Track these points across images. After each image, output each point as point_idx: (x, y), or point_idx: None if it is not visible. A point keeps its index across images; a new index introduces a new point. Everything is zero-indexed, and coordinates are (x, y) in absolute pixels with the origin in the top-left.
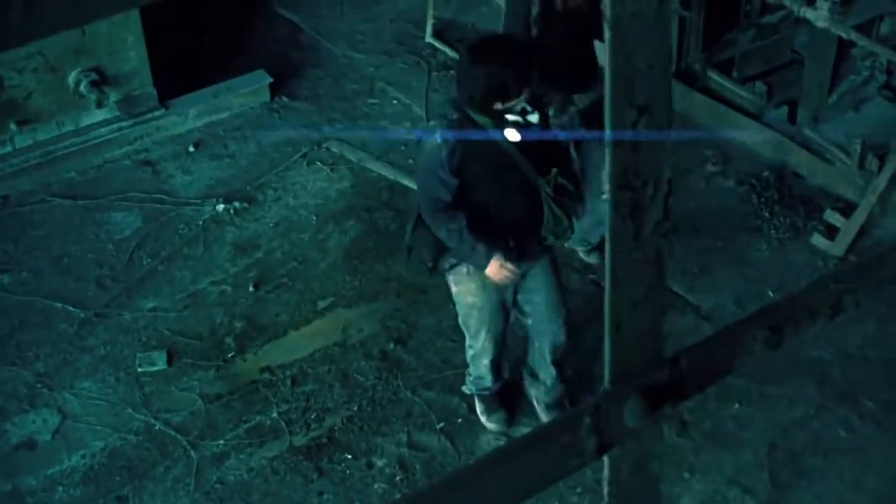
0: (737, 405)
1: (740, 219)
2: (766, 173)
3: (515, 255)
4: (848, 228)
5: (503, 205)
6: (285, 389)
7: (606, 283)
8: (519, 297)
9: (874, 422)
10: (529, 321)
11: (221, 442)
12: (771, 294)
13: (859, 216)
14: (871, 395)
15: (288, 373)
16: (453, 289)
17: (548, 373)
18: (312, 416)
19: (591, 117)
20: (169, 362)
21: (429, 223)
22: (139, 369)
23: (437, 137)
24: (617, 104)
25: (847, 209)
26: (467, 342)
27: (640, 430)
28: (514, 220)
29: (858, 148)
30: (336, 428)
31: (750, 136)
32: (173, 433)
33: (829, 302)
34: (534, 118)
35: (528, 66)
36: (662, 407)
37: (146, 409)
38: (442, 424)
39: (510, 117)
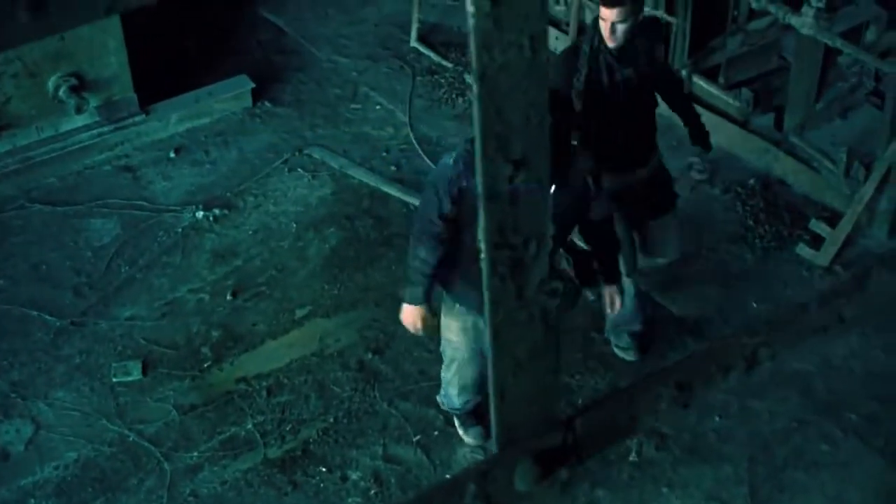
0: (717, 418)
1: (725, 227)
2: (751, 181)
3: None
4: (833, 238)
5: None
6: (261, 400)
7: (489, 345)
8: None
9: (857, 435)
10: None
11: (195, 454)
12: (755, 305)
13: (845, 226)
14: (854, 408)
15: (264, 383)
16: (443, 317)
17: None
18: (287, 428)
19: (626, 198)
20: (144, 372)
21: (411, 235)
22: (114, 379)
23: (450, 159)
24: (489, 159)
25: (833, 218)
26: (443, 364)
27: (532, 496)
28: None
29: (844, 156)
30: (311, 440)
31: (736, 143)
32: (147, 444)
33: (743, 355)
34: None
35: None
36: (556, 471)
37: (120, 420)
38: (418, 437)
39: None
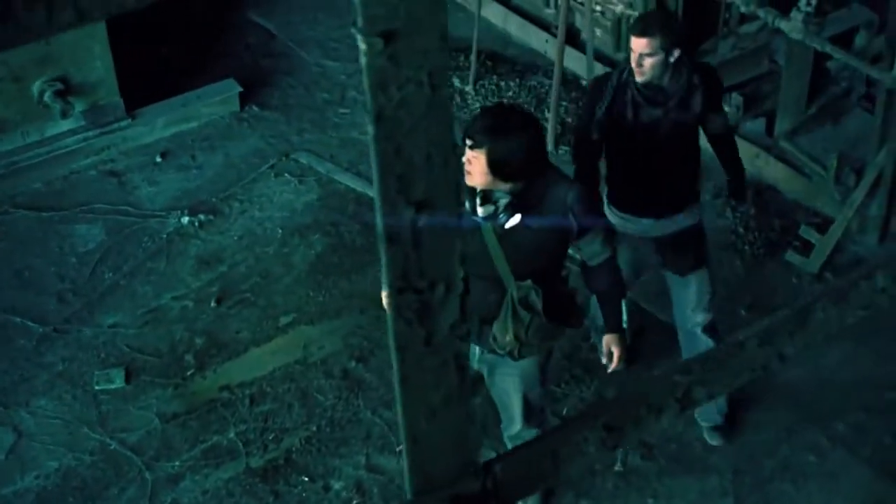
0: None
1: (714, 234)
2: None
3: (471, 333)
4: (823, 244)
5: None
6: (244, 409)
7: (398, 391)
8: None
9: (845, 446)
10: None
11: (177, 463)
12: (743, 313)
13: (835, 232)
14: (842, 418)
15: (247, 391)
16: None
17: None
18: (270, 437)
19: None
20: (127, 380)
21: None
22: (97, 387)
23: None
24: (389, 201)
25: (824, 224)
26: None
27: None
28: (470, 301)
29: (835, 162)
30: (294, 449)
31: None
32: (129, 453)
33: (675, 396)
34: (481, 211)
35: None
36: None
37: (102, 429)
38: (401, 446)
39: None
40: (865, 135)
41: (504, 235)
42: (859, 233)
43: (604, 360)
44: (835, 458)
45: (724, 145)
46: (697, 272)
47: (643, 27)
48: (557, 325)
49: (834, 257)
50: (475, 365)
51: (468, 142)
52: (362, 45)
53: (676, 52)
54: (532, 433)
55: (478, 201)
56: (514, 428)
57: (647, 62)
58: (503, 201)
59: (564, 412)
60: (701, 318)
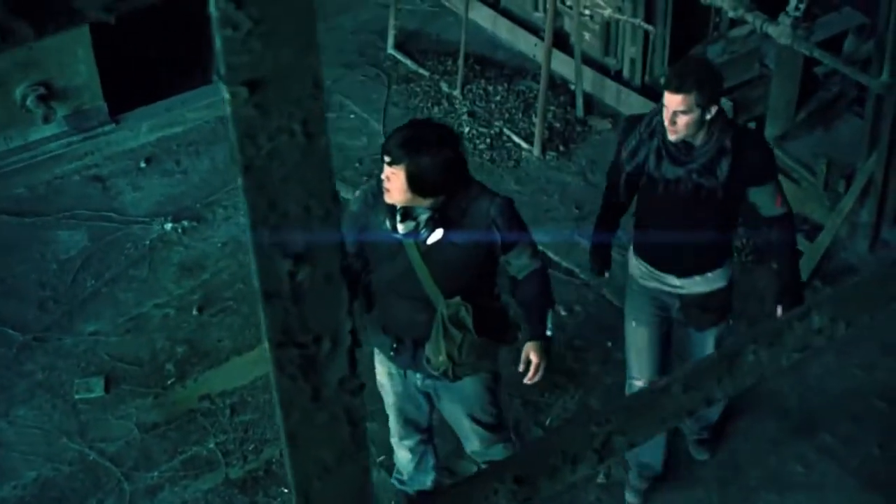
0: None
1: None
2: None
3: (404, 357)
4: (812, 252)
5: (391, 304)
6: (224, 419)
7: (286, 450)
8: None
9: (832, 457)
10: None
11: (156, 473)
12: (730, 322)
13: (824, 239)
14: (829, 429)
15: (228, 401)
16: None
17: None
18: (250, 448)
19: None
20: (107, 389)
21: None
22: (76, 396)
23: (360, 190)
24: (264, 255)
25: (813, 231)
26: None
27: None
28: (401, 325)
29: (824, 167)
30: (274, 460)
31: None
32: (107, 464)
33: (593, 446)
34: (401, 228)
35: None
36: None
37: (81, 439)
38: (382, 458)
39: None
40: (856, 140)
41: (428, 252)
42: (849, 240)
43: (521, 368)
44: (822, 469)
45: (775, 232)
46: (717, 327)
47: (679, 82)
48: (491, 342)
49: (823, 265)
50: (419, 385)
51: (386, 158)
52: (226, 94)
53: (714, 109)
54: (497, 449)
55: (398, 218)
56: (472, 447)
57: (682, 120)
58: (424, 217)
59: (548, 422)
60: None
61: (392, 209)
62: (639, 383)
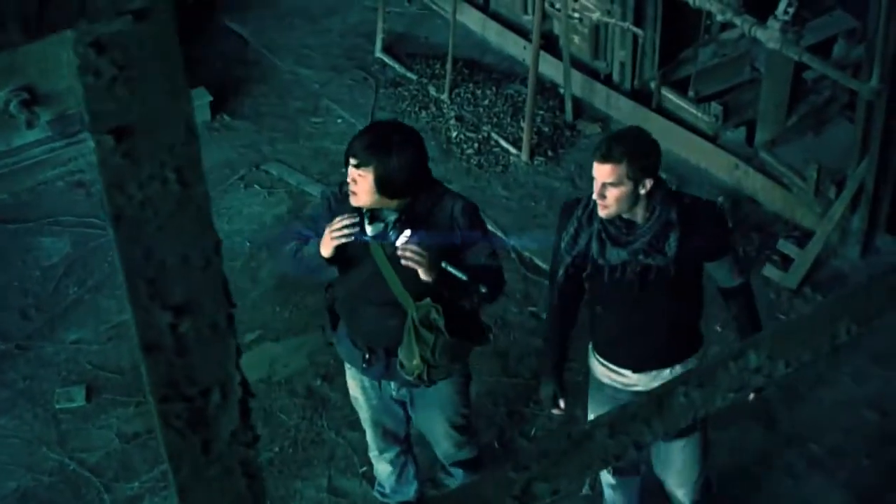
0: None
1: None
2: (720, 199)
3: (376, 369)
4: (802, 259)
5: (359, 313)
6: None
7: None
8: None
9: (821, 469)
10: None
11: (136, 484)
12: (719, 329)
13: (814, 246)
14: (819, 440)
15: None
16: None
17: (455, 470)
18: None
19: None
20: (88, 398)
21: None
22: (57, 406)
23: (324, 194)
24: (142, 308)
25: (804, 238)
26: None
27: None
28: (371, 334)
29: (815, 173)
30: None
31: (705, 158)
32: (88, 474)
33: (511, 494)
34: (370, 230)
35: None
36: None
37: (61, 448)
38: (364, 468)
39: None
40: (848, 145)
41: (395, 255)
42: (840, 247)
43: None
44: (811, 482)
45: (735, 304)
46: (686, 438)
47: (607, 151)
48: (463, 343)
49: (814, 273)
50: (394, 395)
51: (353, 161)
52: (92, 143)
53: (648, 183)
54: (466, 451)
55: (366, 220)
56: (443, 450)
57: (612, 194)
58: (391, 218)
59: (533, 433)
60: (683, 498)
61: (359, 212)
62: (610, 479)
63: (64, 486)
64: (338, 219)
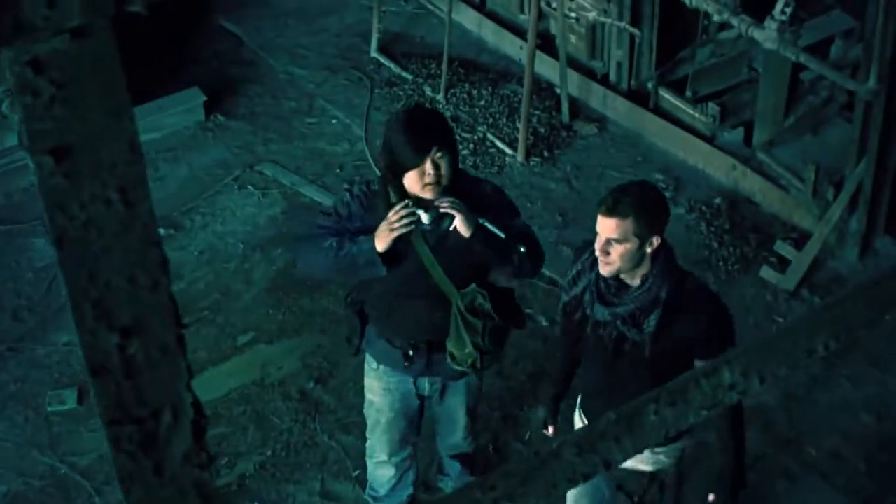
0: None
1: (687, 249)
2: (717, 200)
3: (418, 365)
4: (800, 261)
5: (401, 310)
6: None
7: None
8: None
9: (817, 472)
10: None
11: None
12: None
13: (812, 248)
14: (815, 443)
15: None
16: (365, 377)
17: (451, 466)
18: (223, 462)
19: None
20: (80, 401)
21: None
22: (49, 408)
23: (345, 192)
24: (88, 331)
25: (801, 239)
26: (367, 437)
27: None
28: (414, 330)
29: (812, 174)
30: (247, 475)
31: (702, 159)
32: (79, 478)
33: None
34: (425, 217)
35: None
36: None
37: (52, 452)
38: (357, 472)
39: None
40: (846, 146)
41: (436, 246)
42: (838, 248)
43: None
44: (807, 486)
45: (722, 418)
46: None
47: (613, 203)
48: (506, 327)
49: (812, 275)
50: (427, 391)
51: (435, 149)
52: (31, 164)
53: (656, 241)
54: (469, 441)
55: (421, 211)
56: (455, 439)
57: (616, 251)
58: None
59: (527, 436)
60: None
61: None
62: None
63: (55, 489)
64: (394, 210)
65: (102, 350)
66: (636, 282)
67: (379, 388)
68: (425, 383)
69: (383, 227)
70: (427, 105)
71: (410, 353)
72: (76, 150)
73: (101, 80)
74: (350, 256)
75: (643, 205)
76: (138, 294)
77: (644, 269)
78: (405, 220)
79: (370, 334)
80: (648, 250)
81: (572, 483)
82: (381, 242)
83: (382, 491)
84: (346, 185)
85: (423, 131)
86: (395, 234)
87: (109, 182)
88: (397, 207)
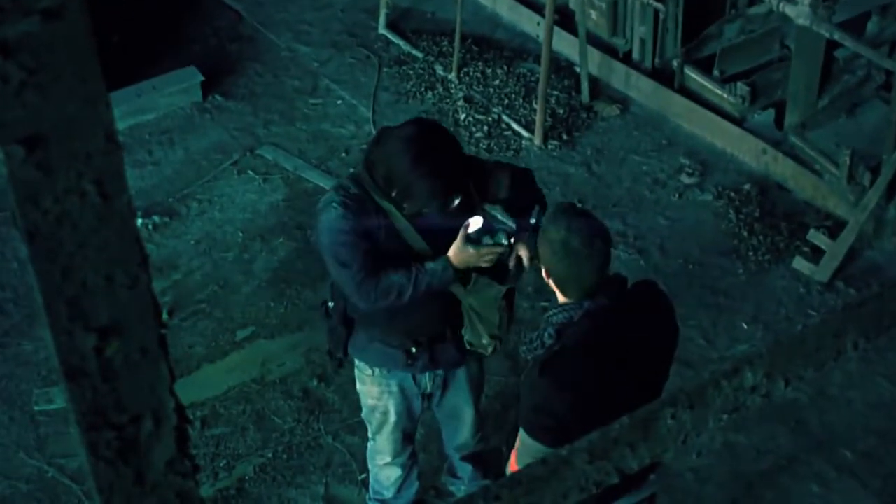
0: (696, 456)
1: (715, 238)
2: (747, 186)
3: (421, 361)
4: (834, 251)
5: (407, 308)
6: (194, 432)
7: None
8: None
9: (852, 475)
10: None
11: None
12: (745, 326)
13: (847, 237)
14: (850, 445)
15: (198, 413)
16: (358, 385)
17: (463, 468)
18: (222, 464)
19: None
20: None
21: (362, 302)
22: (36, 407)
23: (333, 210)
24: (62, 331)
25: (836, 228)
26: (369, 435)
27: None
28: (419, 327)
29: (847, 158)
30: (247, 478)
31: (731, 143)
32: (67, 481)
33: None
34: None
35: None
36: None
37: (40, 454)
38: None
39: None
40: (883, 128)
41: (443, 245)
42: (875, 237)
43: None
44: (841, 490)
45: None
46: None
47: None
48: (511, 312)
49: (847, 265)
50: (428, 388)
51: (456, 194)
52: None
53: None
54: (477, 438)
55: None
56: (463, 438)
57: None
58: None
59: None
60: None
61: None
62: None
63: (42, 494)
64: (490, 248)
65: (78, 352)
66: None
67: (379, 392)
68: (426, 378)
69: (473, 256)
70: (437, 122)
71: (413, 350)
72: (49, 140)
73: (74, 65)
74: (429, 286)
75: None
76: (116, 292)
77: None
78: (497, 253)
79: (358, 342)
80: None
81: (584, 492)
82: (462, 264)
83: (390, 493)
84: (333, 209)
85: (446, 179)
86: (484, 264)
87: (85, 173)
88: (494, 248)
